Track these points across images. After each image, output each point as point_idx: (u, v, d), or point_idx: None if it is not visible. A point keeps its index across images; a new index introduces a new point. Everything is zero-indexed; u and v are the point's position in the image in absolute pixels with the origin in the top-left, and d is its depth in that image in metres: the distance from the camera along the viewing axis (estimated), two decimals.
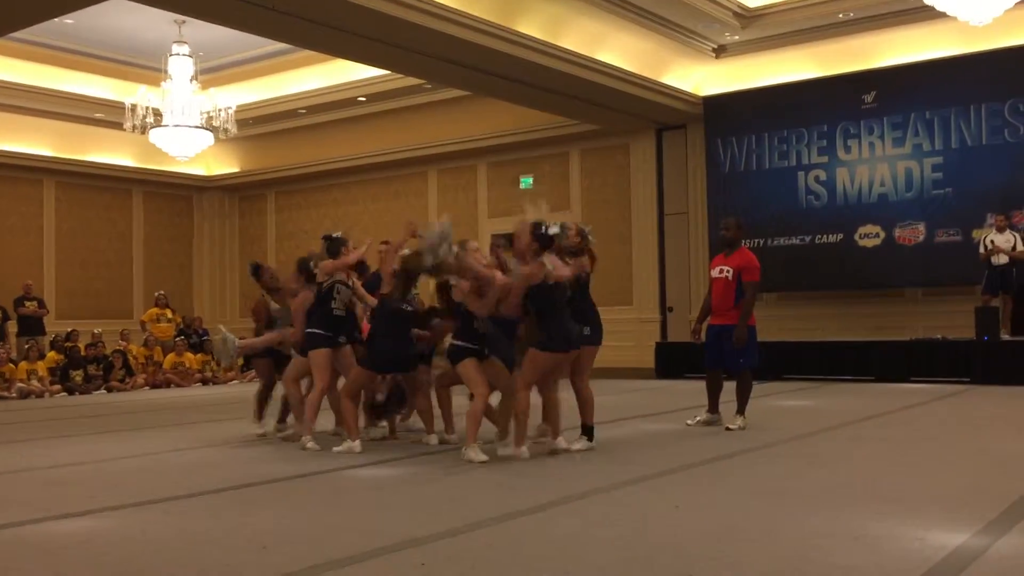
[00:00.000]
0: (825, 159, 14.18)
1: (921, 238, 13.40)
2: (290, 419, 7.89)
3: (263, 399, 8.15)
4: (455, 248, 6.43)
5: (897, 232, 13.56)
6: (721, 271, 7.72)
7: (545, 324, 6.21)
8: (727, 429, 7.52)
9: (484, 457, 6.09)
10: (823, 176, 14.19)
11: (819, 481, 5.30)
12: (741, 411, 7.66)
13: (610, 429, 7.85)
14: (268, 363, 8.15)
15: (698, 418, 7.95)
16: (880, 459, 6.12)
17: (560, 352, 6.29)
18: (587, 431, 6.69)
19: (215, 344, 8.10)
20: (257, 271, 8.23)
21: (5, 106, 16.69)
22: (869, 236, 13.78)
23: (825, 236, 14.11)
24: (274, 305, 8.08)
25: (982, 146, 13.04)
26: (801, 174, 14.36)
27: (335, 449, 6.74)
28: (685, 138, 15.89)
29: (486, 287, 6.27)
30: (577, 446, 6.55)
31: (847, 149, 14.01)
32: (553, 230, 6.37)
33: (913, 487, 5.08)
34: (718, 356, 7.79)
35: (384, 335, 6.81)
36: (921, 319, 13.50)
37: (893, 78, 13.66)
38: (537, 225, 6.34)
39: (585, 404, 6.70)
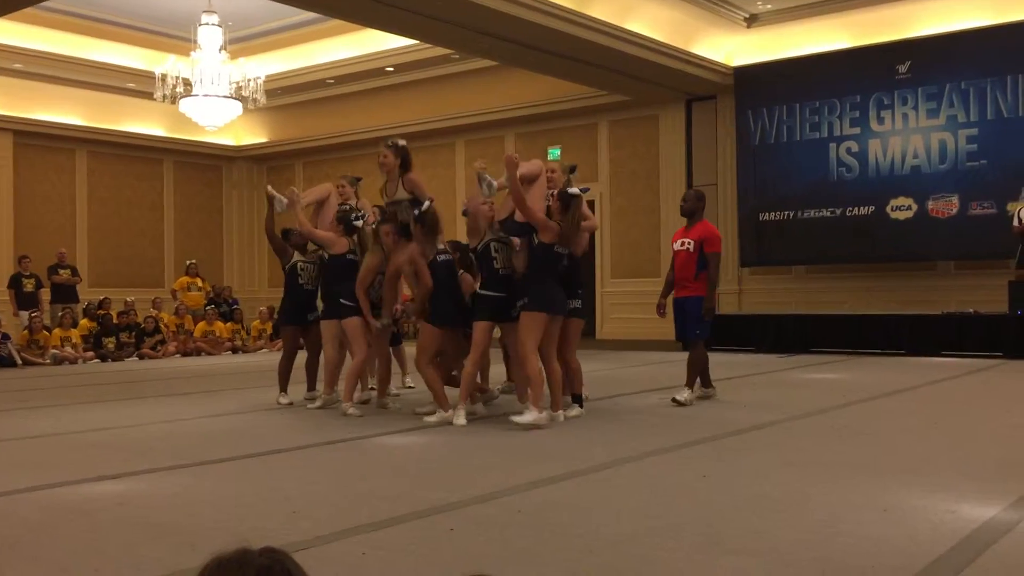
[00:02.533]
0: (857, 130, 13.99)
1: (954, 211, 13.23)
2: (320, 387, 7.98)
3: (286, 372, 8.12)
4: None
5: (930, 204, 13.40)
6: (683, 243, 7.64)
7: (538, 286, 6.40)
8: (673, 400, 7.35)
9: (463, 422, 6.43)
10: (855, 148, 14.02)
11: (847, 453, 5.28)
12: (690, 384, 7.50)
13: (636, 400, 7.88)
14: (295, 332, 8.19)
15: (696, 393, 7.76)
16: (910, 432, 6.08)
17: (554, 313, 6.44)
18: (577, 400, 6.85)
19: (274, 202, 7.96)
20: (286, 235, 8.25)
21: (38, 76, 16.83)
22: (901, 208, 13.62)
23: (856, 208, 13.96)
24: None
25: (1018, 117, 12.81)
26: (832, 145, 14.19)
27: (428, 419, 6.65)
28: (715, 109, 15.73)
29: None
30: (572, 413, 6.66)
31: (880, 120, 13.81)
32: (573, 190, 6.54)
33: (943, 460, 5.05)
34: (681, 328, 7.74)
35: (445, 289, 6.81)
36: (953, 293, 13.36)
37: (928, 48, 13.43)
38: (565, 185, 6.61)
39: (575, 375, 6.86)
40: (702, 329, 7.57)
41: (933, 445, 5.57)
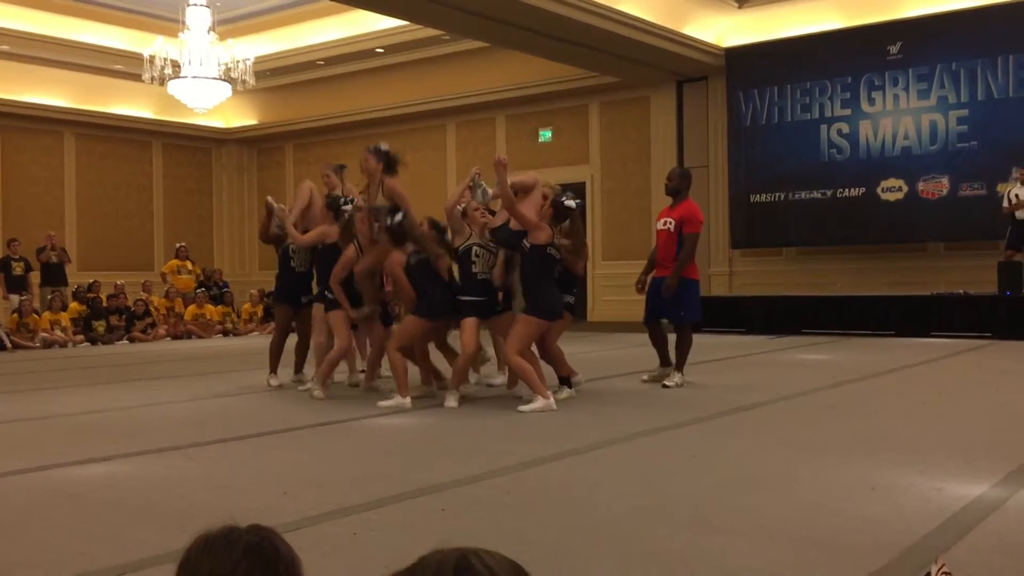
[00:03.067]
0: (848, 112, 13.98)
1: (945, 192, 13.24)
2: (308, 372, 7.99)
3: (278, 350, 8.12)
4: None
5: (920, 186, 13.41)
6: (665, 223, 7.57)
7: (536, 291, 6.44)
8: (663, 387, 7.32)
9: (455, 404, 6.49)
10: (846, 129, 14.01)
11: (836, 433, 5.30)
12: (680, 368, 7.45)
13: (625, 381, 7.89)
14: (287, 310, 8.16)
15: (652, 373, 7.77)
16: (898, 412, 6.11)
17: (552, 320, 6.54)
18: (566, 381, 6.83)
19: None
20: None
21: (25, 57, 16.69)
22: (892, 190, 13.64)
23: (847, 190, 13.97)
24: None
25: (1008, 99, 12.82)
26: (824, 127, 14.18)
27: (381, 404, 6.58)
28: (706, 90, 15.70)
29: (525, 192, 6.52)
30: (562, 396, 6.61)
31: (871, 101, 13.80)
32: (569, 203, 6.53)
33: (931, 439, 5.07)
34: (656, 309, 7.63)
35: (430, 284, 6.78)
36: (943, 274, 13.39)
37: (919, 29, 13.41)
38: (558, 196, 6.58)
39: (557, 359, 6.88)
40: (687, 311, 7.51)
41: (922, 424, 5.59)
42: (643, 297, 7.81)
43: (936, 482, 3.93)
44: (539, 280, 6.44)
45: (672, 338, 7.68)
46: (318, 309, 7.53)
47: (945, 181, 13.23)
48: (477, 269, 6.69)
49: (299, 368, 8.15)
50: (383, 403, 6.59)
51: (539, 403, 6.23)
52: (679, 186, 7.63)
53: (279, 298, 8.31)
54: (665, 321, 7.79)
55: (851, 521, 3.38)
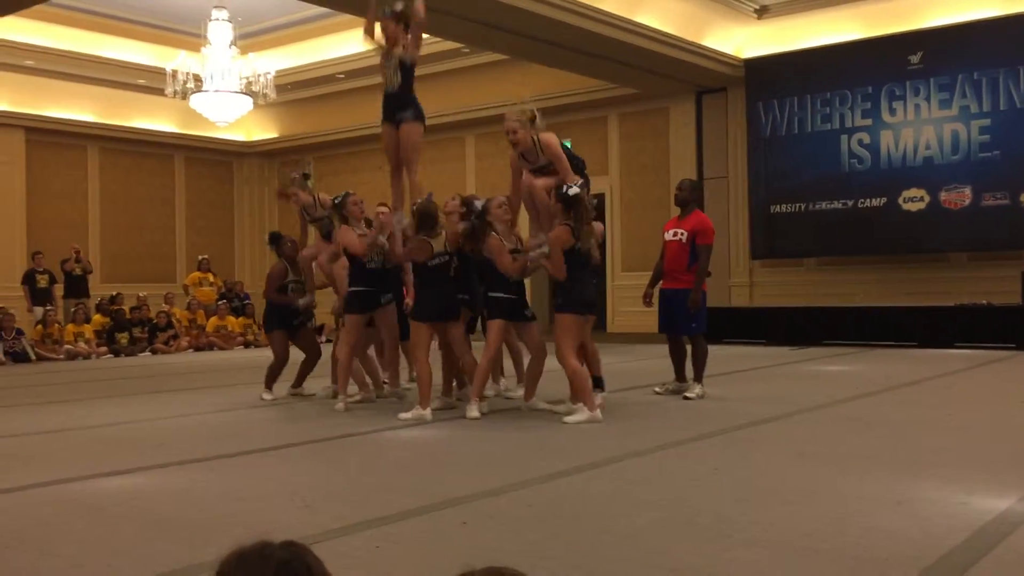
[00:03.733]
0: (869, 122, 13.91)
1: (967, 202, 13.14)
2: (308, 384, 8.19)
3: (275, 374, 8.07)
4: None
5: (943, 196, 13.31)
6: (675, 234, 7.55)
7: (568, 286, 6.37)
8: (685, 398, 7.30)
9: (476, 415, 6.47)
10: (867, 139, 13.94)
11: (859, 445, 5.27)
12: (699, 379, 7.44)
13: (645, 393, 7.85)
14: (283, 336, 8.17)
15: (666, 386, 7.75)
16: (922, 424, 6.06)
17: (585, 315, 6.47)
18: (598, 382, 6.82)
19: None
20: (277, 240, 8.31)
21: (49, 72, 16.88)
22: (913, 200, 13.54)
23: (868, 200, 13.88)
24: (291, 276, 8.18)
25: None
26: (844, 137, 14.11)
27: (402, 416, 6.56)
28: (726, 101, 15.67)
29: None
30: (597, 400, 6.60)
31: (892, 111, 13.73)
32: (573, 191, 6.39)
33: (955, 452, 5.03)
34: (669, 321, 7.61)
35: (427, 287, 6.78)
36: (966, 284, 13.28)
37: (940, 39, 13.34)
38: (559, 186, 6.48)
39: (592, 356, 6.87)
40: (698, 323, 7.50)
41: (945, 437, 5.54)
42: (653, 309, 7.79)
43: (961, 496, 3.90)
44: (570, 273, 6.34)
45: (684, 349, 7.69)
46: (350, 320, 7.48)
47: (967, 191, 13.13)
48: None
49: (298, 382, 8.19)
50: (404, 415, 6.60)
51: (584, 415, 6.17)
52: (689, 197, 7.64)
53: (275, 325, 8.24)
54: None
55: (875, 535, 3.35)
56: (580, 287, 6.39)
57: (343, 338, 7.31)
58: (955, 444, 5.31)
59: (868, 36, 13.98)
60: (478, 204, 6.96)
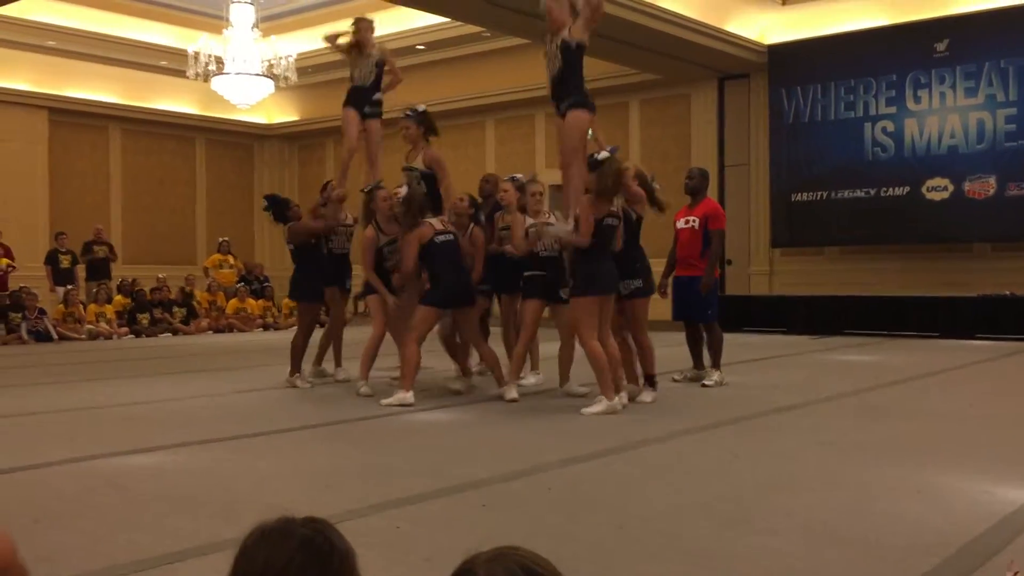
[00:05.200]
0: (893, 109, 13.78)
1: (992, 192, 13.01)
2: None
3: (301, 350, 7.79)
4: None
5: (967, 185, 13.18)
6: (687, 221, 7.57)
7: (586, 267, 6.12)
8: (703, 386, 7.29)
9: (514, 396, 6.50)
10: (891, 127, 13.80)
11: (880, 434, 5.24)
12: (716, 365, 7.42)
13: (665, 380, 7.82)
14: (316, 310, 8.11)
15: (684, 373, 7.73)
16: (944, 414, 6.02)
17: (602, 294, 6.14)
18: (650, 381, 6.66)
19: None
20: (284, 207, 8.01)
21: (72, 53, 16.95)
22: (937, 189, 13.42)
23: (891, 189, 13.77)
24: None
25: None
26: (868, 125, 13.98)
27: (383, 402, 6.43)
28: (748, 88, 15.55)
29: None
30: (646, 398, 6.52)
31: (917, 99, 13.59)
32: (603, 155, 6.24)
33: (979, 442, 4.99)
34: (683, 308, 7.57)
35: (446, 269, 6.70)
36: (990, 275, 13.16)
37: (966, 26, 13.18)
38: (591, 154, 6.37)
39: (647, 353, 6.67)
40: (713, 309, 7.50)
41: (968, 427, 5.51)
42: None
43: (984, 485, 3.87)
44: (591, 255, 6.09)
45: (701, 335, 7.67)
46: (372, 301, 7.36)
47: (992, 181, 12.99)
48: (539, 248, 6.73)
49: (318, 360, 8.19)
50: (386, 401, 6.43)
51: (602, 405, 5.99)
52: (699, 185, 7.69)
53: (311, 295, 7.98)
54: None
55: (898, 523, 3.34)
56: (596, 269, 6.10)
57: (415, 328, 6.72)
58: (978, 434, 5.27)
59: (893, 23, 13.83)
60: (520, 178, 7.14)
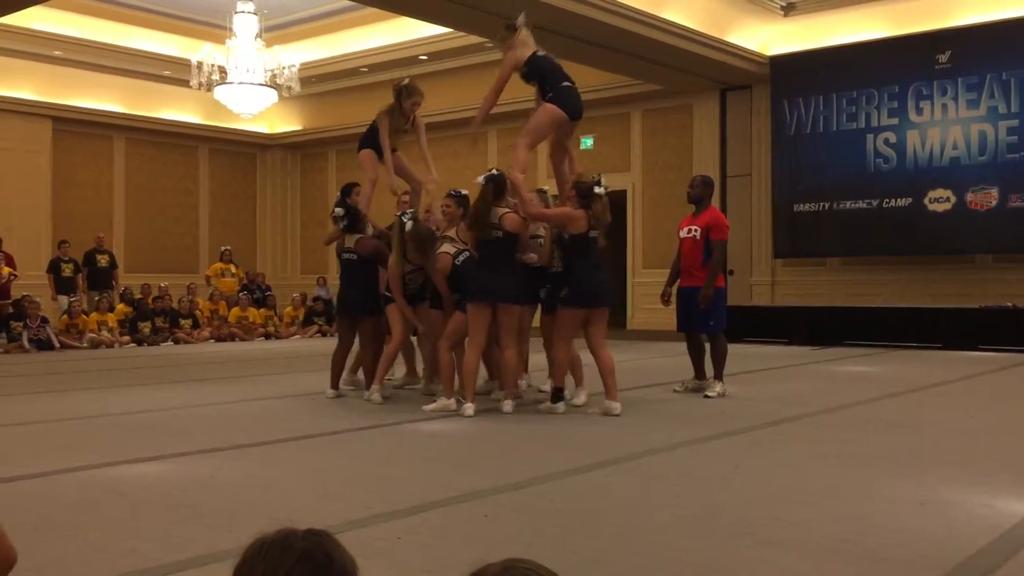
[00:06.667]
0: (895, 121, 13.80)
1: (994, 203, 13.02)
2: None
3: (341, 362, 7.68)
4: None
5: (969, 197, 13.19)
6: (689, 231, 7.55)
7: (576, 279, 6.46)
8: (705, 396, 7.26)
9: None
10: (893, 139, 13.83)
11: (882, 446, 5.23)
12: (719, 376, 7.42)
13: (665, 391, 7.82)
14: (350, 323, 7.91)
15: (686, 384, 7.70)
16: (946, 426, 6.01)
17: (593, 307, 6.51)
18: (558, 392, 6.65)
19: None
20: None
21: (76, 63, 17.01)
22: (939, 200, 13.43)
23: (893, 200, 13.78)
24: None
25: None
26: (870, 136, 14.00)
27: (426, 407, 6.60)
28: (750, 99, 15.58)
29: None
30: (507, 408, 6.56)
31: (919, 111, 13.61)
32: (599, 190, 6.50)
33: (980, 454, 4.99)
34: (687, 319, 7.57)
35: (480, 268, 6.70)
36: (991, 286, 13.16)
37: (969, 38, 13.21)
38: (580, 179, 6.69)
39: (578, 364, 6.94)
40: (716, 320, 7.46)
41: (970, 439, 5.50)
42: (673, 306, 7.79)
43: (986, 498, 3.87)
44: (580, 267, 6.47)
45: (703, 346, 7.66)
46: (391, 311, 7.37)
47: (994, 192, 13.00)
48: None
49: (355, 368, 8.13)
50: (428, 407, 6.63)
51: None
52: (702, 194, 7.65)
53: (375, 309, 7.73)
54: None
55: (900, 536, 3.33)
56: (586, 282, 6.44)
57: (472, 341, 6.64)
58: (980, 446, 5.26)
59: (895, 34, 13.86)
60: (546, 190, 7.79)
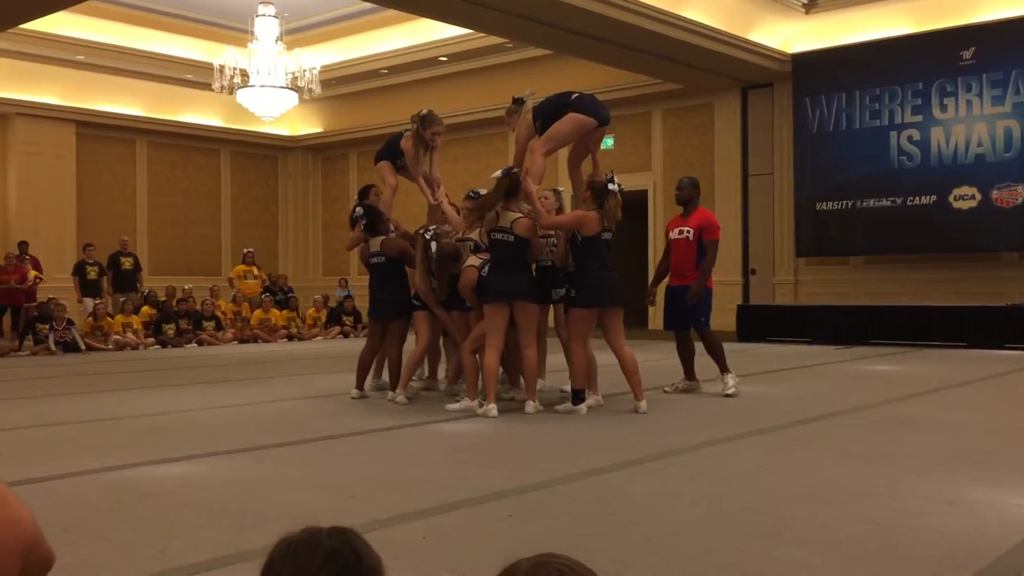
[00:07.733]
0: (919, 118, 13.69)
1: (1020, 200, 12.89)
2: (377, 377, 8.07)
3: (368, 363, 7.71)
4: None
5: (994, 194, 13.07)
6: (680, 232, 7.57)
7: (585, 279, 6.52)
8: (725, 395, 7.23)
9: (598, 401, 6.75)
10: (917, 136, 13.72)
11: (909, 445, 5.19)
12: (725, 369, 7.43)
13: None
14: (382, 325, 7.79)
15: (675, 385, 7.69)
16: (973, 425, 5.95)
17: (603, 307, 6.56)
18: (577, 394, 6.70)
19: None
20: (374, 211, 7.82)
21: (99, 67, 17.18)
22: (964, 198, 13.31)
23: (917, 198, 13.67)
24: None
25: None
26: (893, 134, 13.90)
27: (450, 407, 6.64)
28: (772, 97, 15.51)
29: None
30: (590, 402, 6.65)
31: (943, 108, 13.50)
32: (613, 187, 6.53)
33: (1008, 454, 4.94)
34: (676, 317, 7.59)
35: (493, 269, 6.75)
36: (1017, 284, 13.03)
37: (993, 33, 13.08)
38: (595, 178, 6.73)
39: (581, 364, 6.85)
40: (706, 316, 7.52)
41: (998, 439, 5.44)
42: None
43: (1016, 498, 3.83)
44: (589, 267, 6.50)
45: (693, 347, 7.70)
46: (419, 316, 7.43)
47: (1020, 189, 12.87)
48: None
49: (378, 373, 8.13)
50: (451, 407, 6.64)
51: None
52: (690, 195, 7.69)
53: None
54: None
55: (928, 535, 3.30)
56: (595, 282, 6.49)
57: (491, 342, 6.62)
58: (1007, 446, 5.21)
59: (919, 31, 13.75)
60: (561, 191, 7.64)
